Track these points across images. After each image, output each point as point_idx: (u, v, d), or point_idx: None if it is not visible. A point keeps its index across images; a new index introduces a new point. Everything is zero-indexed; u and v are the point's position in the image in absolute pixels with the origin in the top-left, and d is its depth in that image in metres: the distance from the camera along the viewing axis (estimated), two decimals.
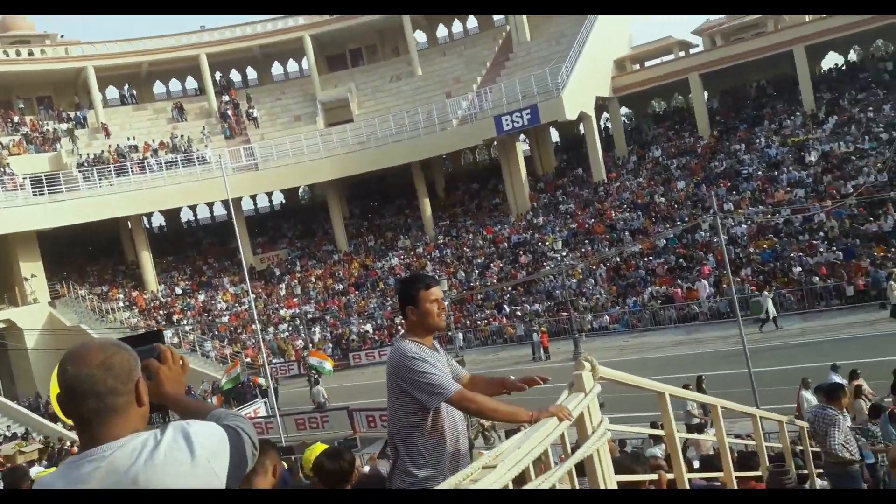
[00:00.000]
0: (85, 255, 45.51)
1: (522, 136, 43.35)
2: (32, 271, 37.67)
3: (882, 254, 26.53)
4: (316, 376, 26.85)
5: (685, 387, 14.26)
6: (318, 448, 4.26)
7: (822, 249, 28.03)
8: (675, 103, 48.67)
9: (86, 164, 40.25)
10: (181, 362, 1.98)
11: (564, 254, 33.74)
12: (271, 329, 37.77)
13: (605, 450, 3.12)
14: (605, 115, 45.85)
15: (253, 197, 52.16)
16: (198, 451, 1.62)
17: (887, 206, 28.27)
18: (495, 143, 41.63)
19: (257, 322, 28.74)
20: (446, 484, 2.29)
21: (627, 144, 42.97)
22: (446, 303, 32.76)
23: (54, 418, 26.35)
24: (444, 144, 42.20)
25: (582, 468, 3.11)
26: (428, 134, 40.67)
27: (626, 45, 46.35)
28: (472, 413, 3.21)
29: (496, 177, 43.96)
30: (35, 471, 10.38)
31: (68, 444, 20.30)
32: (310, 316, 38.16)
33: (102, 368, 1.63)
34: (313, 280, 42.02)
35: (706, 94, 42.28)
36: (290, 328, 38.14)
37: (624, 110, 47.14)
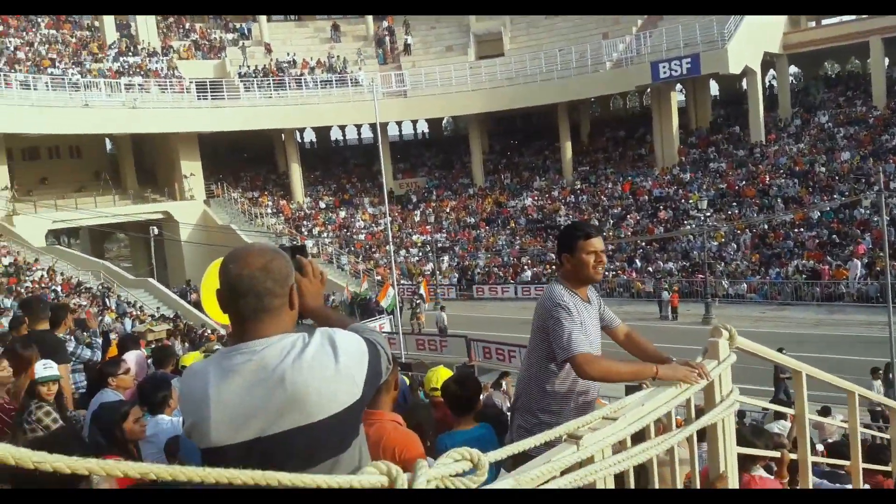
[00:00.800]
0: (240, 160, 48.17)
1: (679, 86, 41.39)
2: (191, 170, 40.33)
3: None
4: (418, 301, 28.27)
5: (874, 371, 13.92)
6: (442, 371, 4.40)
7: None
8: (851, 67, 44.83)
9: (247, 75, 42.18)
10: (321, 276, 2.08)
11: (708, 214, 32.35)
12: (403, 252, 38.88)
13: (730, 420, 3.06)
14: (772, 72, 42.93)
15: (399, 123, 53.04)
16: (342, 358, 1.71)
17: None
18: (649, 90, 40.02)
19: (391, 244, 29.61)
20: (562, 429, 2.31)
21: (792, 106, 40.13)
22: None
23: (198, 306, 28.47)
24: (595, 87, 40.96)
25: (702, 435, 3.06)
26: (579, 75, 39.56)
27: None
28: (594, 379, 3.09)
29: (645, 126, 42.40)
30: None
31: (209, 331, 21.86)
32: (440, 245, 38.97)
33: (263, 271, 1.72)
34: (447, 211, 42.64)
35: (887, 61, 38.53)
36: (421, 254, 39.13)
37: (793, 69, 43.93)
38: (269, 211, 42.10)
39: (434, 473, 1.64)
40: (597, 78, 39.48)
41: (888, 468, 5.73)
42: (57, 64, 37.81)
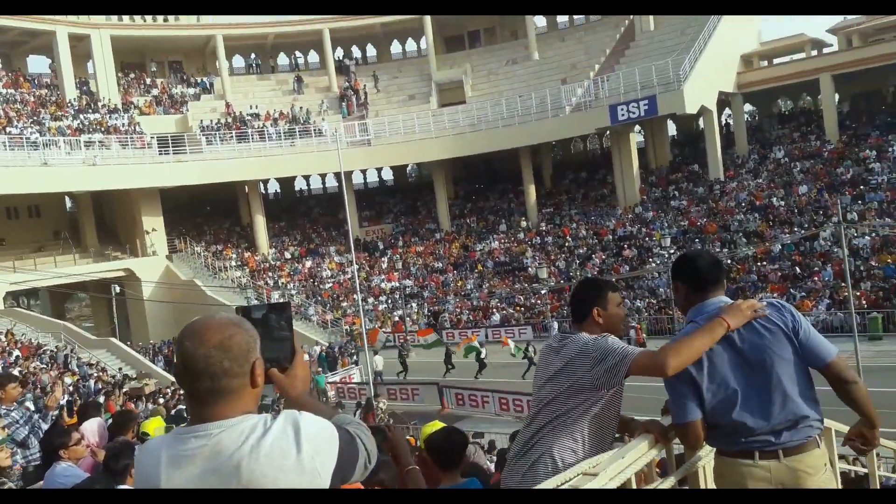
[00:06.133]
0: (203, 214, 47.72)
1: (637, 128, 42.23)
2: (153, 225, 39.83)
3: None
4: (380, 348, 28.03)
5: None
6: (436, 426, 4.28)
7: None
8: (803, 104, 46.20)
9: (209, 128, 42.09)
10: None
11: (672, 251, 32.78)
12: (371, 300, 38.58)
13: (709, 464, 3.00)
14: (727, 111, 44.05)
15: (363, 171, 53.13)
16: (304, 446, 1.57)
17: None
18: (608, 132, 40.76)
19: (359, 292, 29.40)
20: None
21: (749, 143, 41.13)
22: (543, 291, 31.76)
23: (169, 364, 27.82)
24: (556, 131, 41.57)
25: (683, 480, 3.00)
26: (539, 119, 40.17)
27: (755, 40, 44.20)
28: (679, 367, 2.66)
29: (606, 167, 43.07)
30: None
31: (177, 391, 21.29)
32: (408, 291, 38.79)
33: (220, 349, 1.59)
34: (414, 256, 42.58)
35: (837, 97, 39.86)
36: (389, 301, 38.87)
37: (747, 107, 45.12)
38: (234, 264, 41.62)
39: None
40: (557, 122, 40.12)
41: None
42: (15, 123, 37.36)
